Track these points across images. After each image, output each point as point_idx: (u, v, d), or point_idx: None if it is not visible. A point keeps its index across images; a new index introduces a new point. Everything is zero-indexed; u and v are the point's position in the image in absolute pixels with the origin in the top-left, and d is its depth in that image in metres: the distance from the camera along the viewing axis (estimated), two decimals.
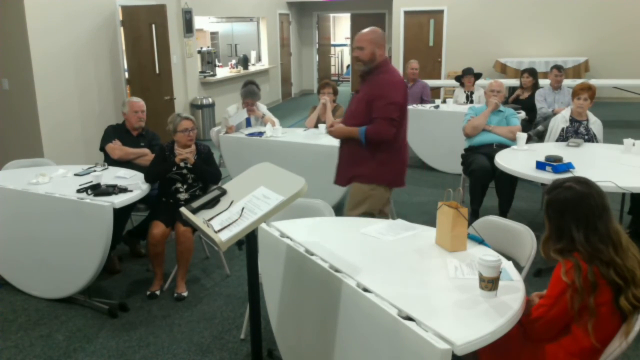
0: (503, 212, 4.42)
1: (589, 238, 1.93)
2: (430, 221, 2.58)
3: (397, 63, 12.69)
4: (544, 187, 4.66)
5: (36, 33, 5.53)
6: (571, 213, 1.97)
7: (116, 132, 4.23)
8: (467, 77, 7.01)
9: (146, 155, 4.16)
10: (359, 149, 3.28)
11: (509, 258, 2.27)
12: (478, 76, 7.08)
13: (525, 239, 2.44)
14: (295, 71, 14.15)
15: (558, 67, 6.59)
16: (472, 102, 6.90)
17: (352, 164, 3.35)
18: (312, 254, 2.22)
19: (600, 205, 1.96)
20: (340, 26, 18.34)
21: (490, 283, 1.86)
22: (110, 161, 4.11)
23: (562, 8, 11.45)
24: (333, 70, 17.72)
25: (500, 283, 1.90)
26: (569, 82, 7.36)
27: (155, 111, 6.37)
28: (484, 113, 4.83)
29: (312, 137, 4.88)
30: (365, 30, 3.25)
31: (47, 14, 5.69)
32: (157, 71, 6.94)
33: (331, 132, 3.42)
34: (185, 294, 3.56)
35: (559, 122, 4.77)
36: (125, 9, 6.94)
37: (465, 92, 7.07)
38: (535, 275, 3.68)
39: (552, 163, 3.60)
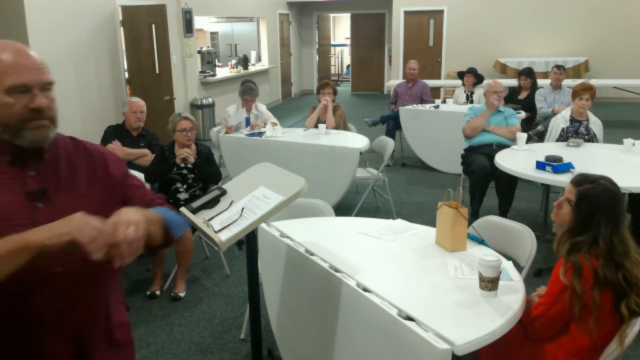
0: (503, 212, 4.41)
1: (612, 237, 1.96)
2: (430, 221, 2.58)
3: (397, 63, 12.70)
4: (544, 187, 4.69)
5: (36, 33, 5.52)
6: (605, 210, 1.99)
7: (116, 132, 4.23)
8: (467, 75, 7.00)
9: (146, 155, 4.15)
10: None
11: (509, 258, 2.27)
12: (480, 78, 7.04)
13: (525, 239, 2.43)
14: (295, 71, 14.14)
15: (559, 66, 6.60)
16: (472, 102, 6.89)
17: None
18: (312, 254, 2.22)
19: (625, 209, 2.03)
20: (340, 26, 18.34)
21: (490, 283, 1.87)
22: None
23: (562, 8, 11.44)
24: (333, 70, 17.73)
25: (500, 283, 1.90)
26: (569, 82, 7.36)
27: (155, 111, 6.36)
28: (483, 114, 4.82)
29: (312, 137, 4.88)
30: (32, 52, 1.32)
31: (47, 14, 5.69)
32: (157, 71, 6.94)
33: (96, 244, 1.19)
34: (182, 294, 3.56)
35: (559, 122, 4.77)
36: (125, 9, 6.94)
37: (465, 92, 7.08)
38: (535, 275, 3.68)
39: (552, 163, 3.60)
